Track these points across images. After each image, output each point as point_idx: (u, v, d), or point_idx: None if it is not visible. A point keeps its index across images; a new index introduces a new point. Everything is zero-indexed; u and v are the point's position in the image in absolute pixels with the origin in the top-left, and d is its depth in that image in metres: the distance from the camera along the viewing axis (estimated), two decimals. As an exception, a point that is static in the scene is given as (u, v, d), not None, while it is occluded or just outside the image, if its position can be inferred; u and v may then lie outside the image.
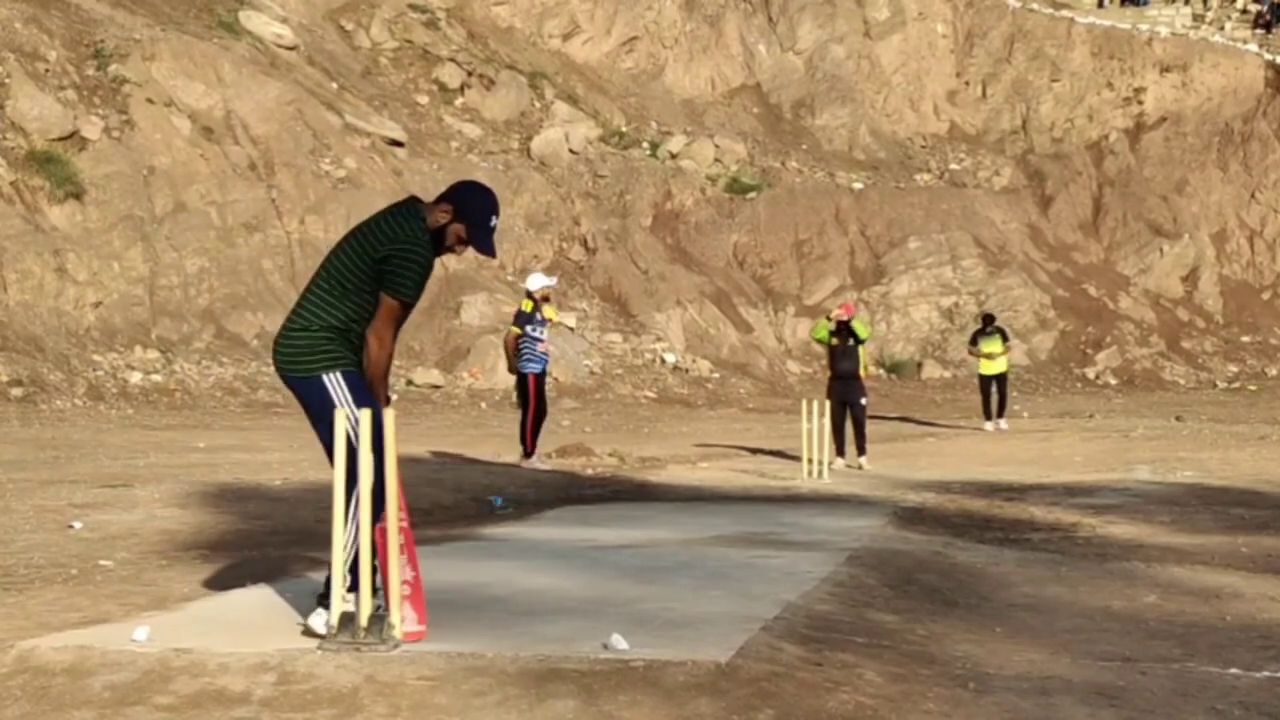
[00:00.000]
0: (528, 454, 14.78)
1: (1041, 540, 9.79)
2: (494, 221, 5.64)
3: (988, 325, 23.96)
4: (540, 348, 14.80)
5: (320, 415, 5.47)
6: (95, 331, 25.02)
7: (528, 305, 15.03)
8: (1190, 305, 40.37)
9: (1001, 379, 23.50)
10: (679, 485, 13.54)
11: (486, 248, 5.64)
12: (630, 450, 17.12)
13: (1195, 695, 5.29)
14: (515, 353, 14.74)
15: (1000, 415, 23.25)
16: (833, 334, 16.53)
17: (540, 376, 14.87)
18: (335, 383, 5.45)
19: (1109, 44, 45.24)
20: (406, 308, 5.51)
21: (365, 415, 5.30)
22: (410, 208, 5.62)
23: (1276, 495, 12.68)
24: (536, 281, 15.37)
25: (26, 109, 26.32)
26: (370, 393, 5.50)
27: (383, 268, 5.42)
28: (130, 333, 25.47)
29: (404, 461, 5.52)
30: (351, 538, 5.30)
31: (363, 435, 5.28)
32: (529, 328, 14.73)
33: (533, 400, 14.74)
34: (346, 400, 5.40)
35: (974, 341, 24.07)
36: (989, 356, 23.36)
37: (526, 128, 36.72)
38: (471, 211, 5.61)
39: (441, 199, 5.67)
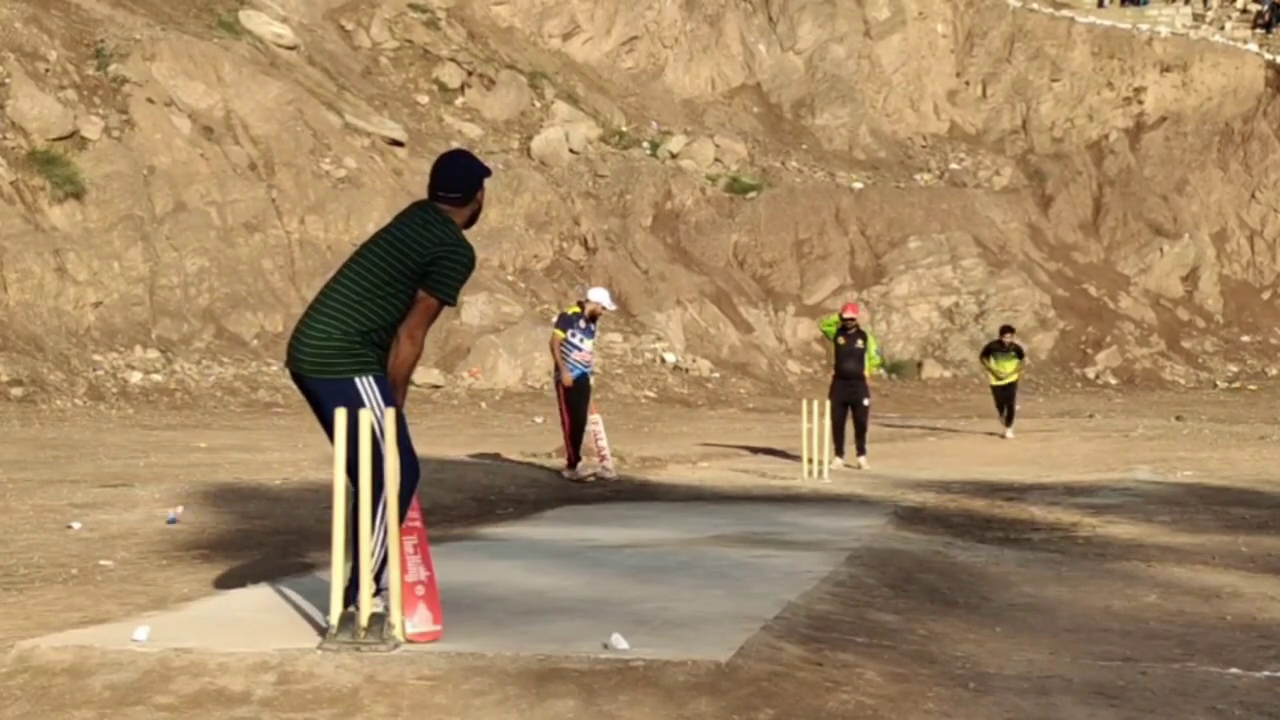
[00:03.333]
0: (571, 463, 14.22)
1: (1041, 540, 9.79)
2: (488, 177, 5.88)
3: (1005, 342, 22.70)
4: (575, 356, 14.21)
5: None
6: (95, 331, 25.01)
7: (572, 309, 14.55)
8: (1190, 305, 40.38)
9: (1011, 388, 22.90)
10: (679, 485, 13.54)
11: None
12: (630, 450, 17.11)
13: (1195, 695, 5.28)
14: (559, 357, 14.21)
15: (1008, 424, 22.84)
16: (839, 332, 16.39)
17: (571, 385, 14.15)
18: (368, 387, 5.44)
19: (1109, 44, 45.25)
20: (443, 307, 5.63)
21: (390, 415, 5.31)
22: (437, 213, 5.63)
23: (1276, 495, 12.68)
24: (598, 294, 14.80)
25: (26, 109, 26.31)
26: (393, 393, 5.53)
27: (429, 269, 5.49)
28: (130, 333, 25.47)
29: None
30: (380, 540, 5.28)
31: (388, 438, 5.28)
32: (570, 332, 14.21)
33: (562, 408, 14.24)
34: (377, 404, 5.40)
35: (987, 353, 23.05)
36: (997, 376, 22.65)
37: (526, 127, 36.71)
38: (474, 185, 5.75)
39: (448, 200, 5.67)
